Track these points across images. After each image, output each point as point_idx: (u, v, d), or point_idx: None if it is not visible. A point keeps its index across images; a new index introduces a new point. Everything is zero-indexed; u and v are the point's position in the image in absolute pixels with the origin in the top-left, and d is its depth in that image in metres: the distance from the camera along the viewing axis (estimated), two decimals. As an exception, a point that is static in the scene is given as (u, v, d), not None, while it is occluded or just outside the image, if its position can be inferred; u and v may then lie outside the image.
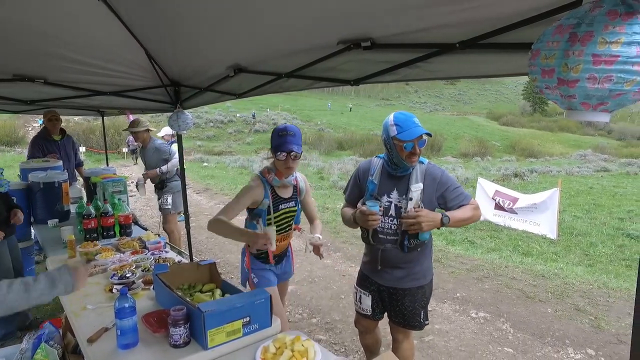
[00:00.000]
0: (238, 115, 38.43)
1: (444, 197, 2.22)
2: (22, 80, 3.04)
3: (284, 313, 2.63)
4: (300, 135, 2.34)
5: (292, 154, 2.27)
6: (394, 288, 2.35)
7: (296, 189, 2.51)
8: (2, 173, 3.10)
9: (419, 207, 2.19)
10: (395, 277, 2.34)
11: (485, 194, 8.66)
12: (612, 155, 28.20)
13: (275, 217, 2.40)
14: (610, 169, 19.53)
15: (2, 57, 2.73)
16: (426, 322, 2.42)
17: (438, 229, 2.24)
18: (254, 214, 2.42)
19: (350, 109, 55.09)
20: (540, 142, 40.08)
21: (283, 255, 2.62)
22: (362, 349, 2.86)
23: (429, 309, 3.96)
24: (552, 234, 7.50)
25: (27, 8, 2.13)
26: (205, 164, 19.28)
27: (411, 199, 2.18)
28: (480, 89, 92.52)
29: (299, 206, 2.56)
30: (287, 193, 2.46)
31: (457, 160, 25.72)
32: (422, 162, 2.27)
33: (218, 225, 2.27)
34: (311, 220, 2.68)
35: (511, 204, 8.22)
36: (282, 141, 2.27)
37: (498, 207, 8.43)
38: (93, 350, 1.71)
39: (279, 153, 2.28)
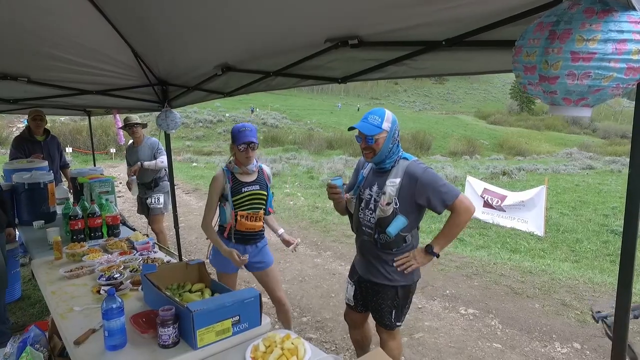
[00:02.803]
0: (227, 115, 38.22)
1: (427, 198, 2.16)
2: (4, 79, 2.99)
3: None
4: (255, 131, 2.72)
5: (251, 144, 2.65)
6: (370, 282, 2.39)
7: (263, 175, 2.84)
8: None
9: (392, 202, 2.19)
10: (370, 270, 2.39)
11: (474, 192, 8.75)
12: (597, 153, 28.68)
13: (240, 198, 2.74)
14: (595, 166, 19.87)
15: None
16: (397, 324, 2.40)
17: (437, 257, 2.27)
18: (221, 197, 2.78)
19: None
20: (528, 140, 40.64)
21: (253, 238, 2.82)
22: (352, 347, 2.88)
23: (419, 305, 4.03)
24: (540, 231, 7.61)
25: (9, 4, 2.10)
26: (194, 164, 19.16)
27: (384, 193, 2.21)
28: (469, 88, 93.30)
29: (269, 191, 2.84)
30: (249, 178, 2.78)
31: (446, 159, 25.94)
32: (407, 159, 2.26)
33: (207, 232, 2.83)
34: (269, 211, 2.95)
35: (499, 201, 8.32)
36: (241, 135, 2.64)
37: (486, 204, 8.53)
38: (80, 353, 1.69)
39: (240, 145, 2.64)
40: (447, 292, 4.47)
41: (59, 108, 5.11)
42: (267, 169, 2.92)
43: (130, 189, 4.83)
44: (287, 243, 2.88)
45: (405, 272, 2.28)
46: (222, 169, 2.80)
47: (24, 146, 4.75)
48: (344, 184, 2.39)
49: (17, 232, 3.91)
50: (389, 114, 2.23)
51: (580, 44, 0.99)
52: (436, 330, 3.62)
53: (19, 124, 26.12)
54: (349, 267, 2.64)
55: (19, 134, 5.04)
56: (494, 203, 8.41)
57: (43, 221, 3.74)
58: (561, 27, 1.03)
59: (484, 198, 8.57)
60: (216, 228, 2.84)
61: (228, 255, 2.67)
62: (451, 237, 2.28)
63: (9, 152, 4.95)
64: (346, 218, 2.61)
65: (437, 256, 2.26)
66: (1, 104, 3.85)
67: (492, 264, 5.43)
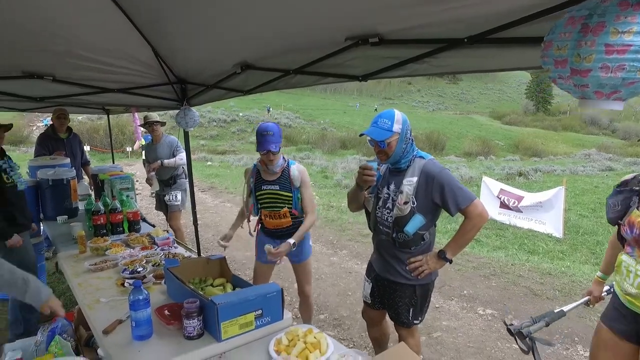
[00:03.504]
0: (241, 114, 38.45)
1: (442, 198, 2.16)
2: (31, 78, 3.06)
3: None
4: (279, 132, 2.74)
5: (270, 153, 2.70)
6: (387, 280, 2.39)
7: (287, 175, 2.82)
8: (18, 169, 3.14)
9: (410, 201, 2.19)
10: (387, 269, 2.38)
11: (490, 193, 8.66)
12: (617, 155, 27.98)
13: (259, 195, 2.88)
14: (615, 168, 19.40)
15: (12, 55, 2.75)
16: (415, 321, 2.40)
17: (450, 262, 2.28)
18: (249, 191, 2.97)
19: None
20: (544, 141, 39.93)
21: (284, 234, 2.86)
22: (370, 344, 2.88)
23: (437, 305, 4.01)
24: (558, 233, 7.49)
25: (37, 5, 2.15)
26: (209, 162, 19.34)
27: (401, 192, 2.21)
28: (483, 88, 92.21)
29: (294, 193, 2.84)
30: (270, 177, 2.86)
31: (461, 159, 25.67)
32: (423, 158, 2.26)
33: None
34: (304, 212, 2.90)
35: (516, 202, 8.21)
36: (261, 140, 2.71)
37: (503, 205, 8.42)
38: (108, 342, 1.74)
39: (260, 150, 2.73)
40: (465, 292, 4.44)
41: (80, 106, 5.22)
42: (295, 170, 2.85)
43: (150, 184, 4.92)
44: (273, 254, 2.73)
45: (418, 277, 2.28)
46: (254, 164, 2.97)
47: (47, 143, 4.88)
48: (378, 168, 2.29)
49: (42, 227, 4.02)
50: (398, 115, 2.22)
51: (615, 37, 0.98)
52: (454, 330, 3.60)
53: (38, 122, 26.72)
54: (365, 266, 2.65)
55: (43, 131, 5.17)
56: (510, 204, 8.30)
57: (66, 216, 3.84)
58: (594, 20, 1.02)
59: (500, 199, 8.47)
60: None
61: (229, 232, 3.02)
62: (464, 242, 2.29)
63: (34, 149, 5.08)
64: (362, 217, 2.61)
65: (450, 262, 2.27)
66: (29, 101, 3.95)
67: (509, 264, 5.37)
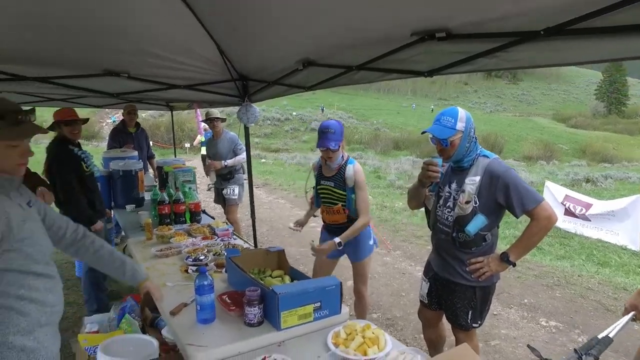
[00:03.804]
0: (294, 113, 39.04)
1: (507, 199, 2.06)
2: (110, 75, 3.28)
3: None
4: (340, 130, 2.78)
5: (329, 150, 2.74)
6: (446, 280, 2.33)
7: (342, 174, 2.84)
8: (93, 159, 3.40)
9: (472, 201, 2.12)
10: (446, 268, 2.32)
11: (553, 199, 8.14)
12: (703, 162, 25.35)
13: (319, 189, 3.00)
14: (700, 176, 17.58)
15: (95, 54, 2.96)
16: (474, 325, 2.31)
17: (514, 266, 2.18)
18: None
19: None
20: (617, 146, 36.98)
21: (341, 230, 2.84)
22: (424, 346, 2.81)
23: (494, 312, 3.83)
24: (634, 245, 6.86)
25: (112, 8, 2.30)
26: (263, 160, 19.83)
27: (463, 192, 2.14)
28: (546, 89, 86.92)
29: (348, 192, 2.83)
30: (329, 173, 2.93)
31: (520, 163, 24.40)
32: (487, 157, 2.18)
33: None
34: (357, 213, 2.86)
35: (584, 210, 7.67)
36: (322, 137, 2.75)
37: (568, 212, 7.90)
38: (175, 322, 1.83)
39: (319, 147, 2.78)
40: (525, 300, 4.20)
41: (148, 103, 5.54)
42: (350, 170, 2.83)
43: (207, 174, 5.14)
44: (317, 250, 2.84)
45: (479, 278, 2.19)
46: (318, 158, 3.04)
47: (118, 137, 5.23)
48: (443, 165, 2.22)
49: (113, 214, 4.32)
50: (462, 112, 2.16)
51: None
52: (514, 339, 3.42)
53: (107, 119, 28.74)
54: (419, 268, 2.61)
55: (115, 126, 5.55)
56: (577, 211, 7.77)
57: (134, 205, 4.08)
58: None
59: (565, 205, 7.95)
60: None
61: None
62: (530, 246, 2.17)
63: (106, 142, 5.49)
64: (416, 219, 2.57)
65: (514, 265, 2.16)
66: (107, 97, 4.24)
67: (576, 275, 5.01)
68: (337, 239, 2.78)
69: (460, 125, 2.12)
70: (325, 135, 2.75)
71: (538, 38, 1.71)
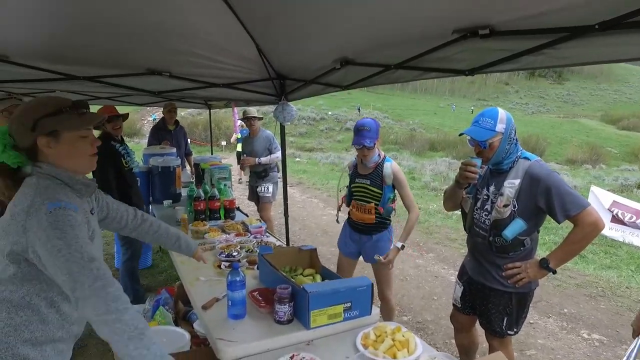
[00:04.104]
0: (330, 113, 39.08)
1: (548, 204, 1.96)
2: (153, 74, 3.40)
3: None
4: (375, 128, 2.80)
5: (365, 148, 2.77)
6: (481, 284, 2.26)
7: (380, 172, 2.85)
8: (134, 154, 3.54)
9: (510, 204, 2.03)
10: (482, 273, 2.24)
11: (599, 204, 7.71)
12: None
13: (353, 187, 2.99)
14: None
15: (139, 54, 3.07)
16: (509, 332, 2.23)
17: (554, 273, 2.07)
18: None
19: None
20: (673, 150, 34.57)
21: (367, 229, 2.94)
22: (456, 351, 2.74)
23: (531, 321, 3.68)
24: (687, 256, 6.43)
25: (157, 6, 2.37)
26: (297, 159, 19.98)
27: (502, 195, 2.06)
28: (595, 89, 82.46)
29: (384, 190, 2.85)
30: (364, 171, 2.94)
31: (562, 166, 23.31)
32: (528, 159, 2.08)
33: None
34: (407, 209, 2.92)
35: (634, 217, 7.23)
36: (357, 136, 2.78)
37: (616, 219, 7.47)
38: (207, 316, 1.86)
39: (354, 144, 2.80)
40: (565, 310, 4.01)
41: (187, 101, 5.70)
42: (389, 168, 2.86)
43: (242, 169, 5.27)
44: (385, 264, 2.84)
45: (517, 284, 2.10)
46: (354, 157, 3.09)
47: (158, 134, 5.42)
48: (482, 167, 2.17)
49: (151, 208, 4.47)
50: (502, 113, 2.09)
51: None
52: (552, 350, 3.27)
53: (148, 117, 29.83)
54: (452, 271, 2.55)
55: (155, 124, 5.75)
56: (626, 219, 7.33)
57: (171, 200, 4.21)
58: None
59: (612, 212, 7.52)
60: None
61: None
62: (572, 253, 2.06)
63: (142, 141, 5.70)
64: (450, 221, 2.51)
65: (554, 272, 2.05)
66: (149, 95, 4.40)
67: (623, 287, 4.73)
68: (399, 243, 2.81)
69: (500, 127, 2.05)
70: (360, 133, 2.77)
71: (590, 33, 1.61)
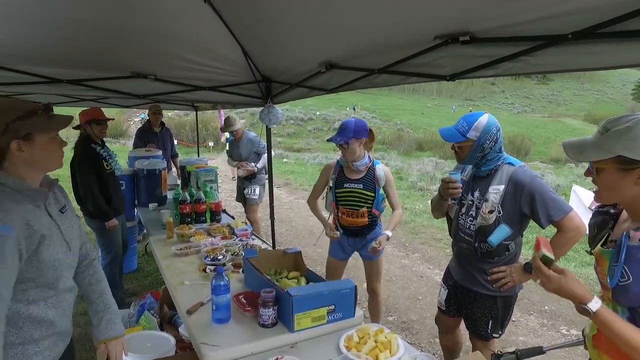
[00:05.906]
0: (318, 113, 39.13)
1: (532, 209, 2.01)
2: (137, 77, 3.38)
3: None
4: (353, 127, 2.80)
5: (340, 146, 2.82)
6: (467, 288, 2.29)
7: (372, 175, 2.87)
8: (116, 157, 3.50)
9: (495, 210, 2.06)
10: (467, 277, 2.28)
11: (580, 204, 7.85)
12: None
13: (341, 193, 2.92)
14: None
15: (124, 57, 3.06)
16: (494, 335, 2.27)
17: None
18: (329, 187, 3.03)
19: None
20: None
21: (360, 232, 2.97)
22: (440, 351, 2.79)
23: (513, 319, 3.75)
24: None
25: (143, 10, 2.37)
26: (285, 159, 19.96)
27: (487, 201, 2.09)
28: (578, 89, 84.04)
29: (377, 193, 2.89)
30: (354, 175, 2.91)
31: (547, 165, 23.74)
32: (512, 164, 2.11)
33: (312, 209, 3.25)
34: (392, 208, 3.04)
35: (613, 216, 7.39)
36: (337, 133, 2.85)
37: (596, 218, 7.62)
38: (191, 321, 1.87)
39: (332, 141, 2.86)
40: (546, 307, 4.11)
41: (173, 103, 5.66)
42: (381, 170, 2.93)
43: (239, 174, 5.24)
44: (377, 250, 2.87)
45: (501, 289, 2.13)
46: (337, 160, 3.06)
47: (143, 136, 5.38)
48: (462, 179, 2.22)
49: (136, 212, 4.43)
50: (481, 122, 2.08)
51: None
52: (533, 348, 3.34)
53: (135, 117, 29.51)
54: (437, 271, 2.59)
55: (141, 126, 5.71)
56: (606, 217, 7.49)
57: (157, 203, 4.18)
58: None
59: (592, 210, 7.66)
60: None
61: (324, 224, 3.07)
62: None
63: (128, 142, 5.67)
64: (436, 221, 2.56)
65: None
66: (134, 98, 4.37)
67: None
68: (387, 232, 2.88)
69: (472, 134, 2.07)
70: (338, 131, 2.86)
71: (565, 42, 1.67)
